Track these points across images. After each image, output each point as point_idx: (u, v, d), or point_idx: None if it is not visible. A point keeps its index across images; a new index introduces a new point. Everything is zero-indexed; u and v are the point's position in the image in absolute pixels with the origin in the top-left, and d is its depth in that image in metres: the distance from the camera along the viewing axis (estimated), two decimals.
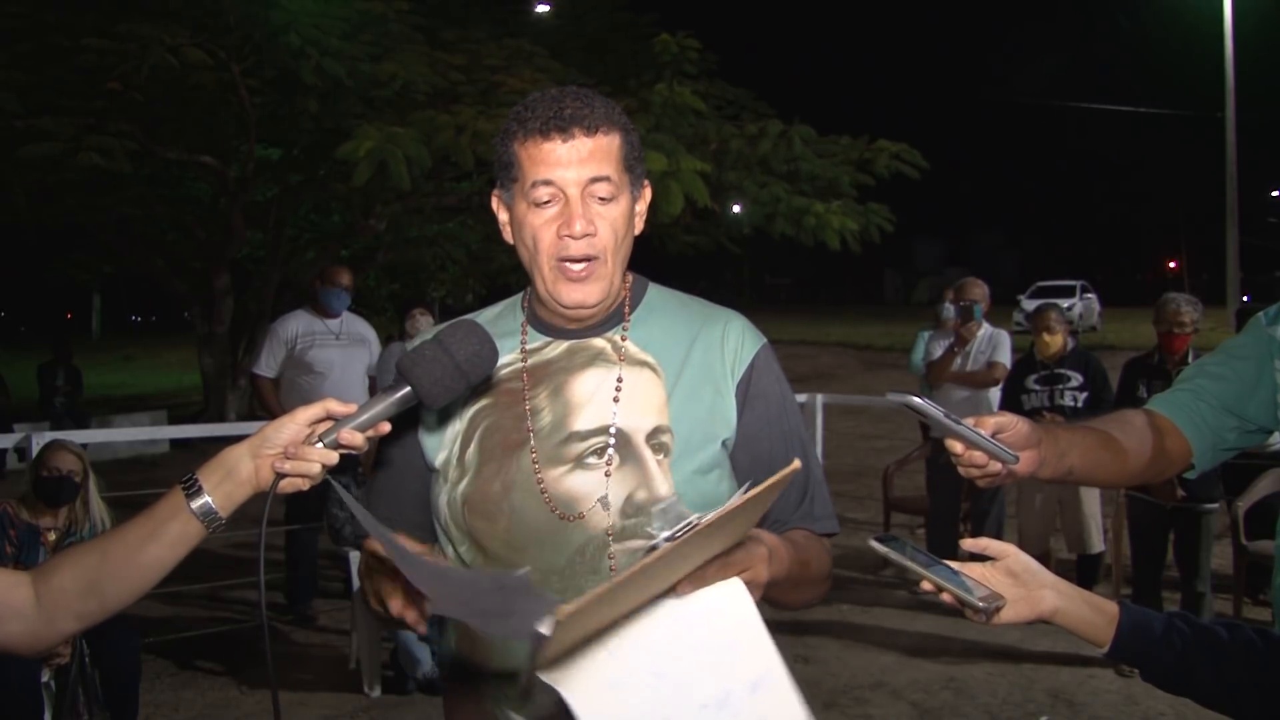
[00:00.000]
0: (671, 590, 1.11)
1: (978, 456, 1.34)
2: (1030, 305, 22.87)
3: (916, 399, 1.29)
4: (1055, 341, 5.05)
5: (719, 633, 1.11)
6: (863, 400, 9.49)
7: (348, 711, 4.16)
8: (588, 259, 1.33)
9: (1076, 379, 4.98)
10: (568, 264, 1.33)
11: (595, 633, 1.08)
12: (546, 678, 1.06)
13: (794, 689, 1.11)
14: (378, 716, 4.14)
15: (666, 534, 1.19)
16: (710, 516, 1.05)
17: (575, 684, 1.08)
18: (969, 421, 1.33)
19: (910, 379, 6.96)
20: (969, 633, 4.80)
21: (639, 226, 1.43)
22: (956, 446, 1.34)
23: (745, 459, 1.39)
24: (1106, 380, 4.98)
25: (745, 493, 1.06)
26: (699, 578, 1.10)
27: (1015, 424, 1.36)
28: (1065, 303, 18.42)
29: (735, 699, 1.09)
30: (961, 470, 1.37)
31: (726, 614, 1.11)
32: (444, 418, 1.42)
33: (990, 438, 1.33)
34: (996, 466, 1.35)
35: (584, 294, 1.34)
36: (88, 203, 9.99)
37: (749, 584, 1.14)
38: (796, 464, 1.06)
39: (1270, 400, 1.56)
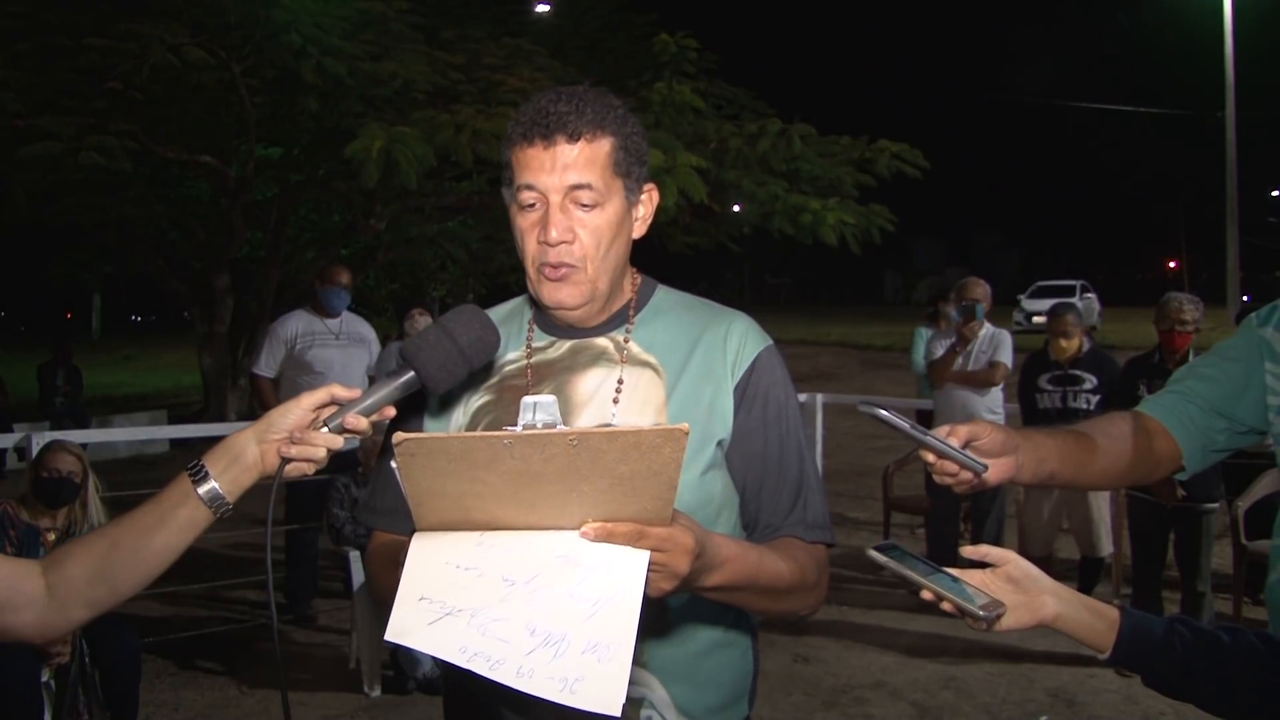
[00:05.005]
0: (575, 528, 1.07)
1: (949, 465, 1.36)
2: (1031, 305, 22.86)
3: (883, 411, 1.30)
4: (1071, 346, 5.04)
5: (594, 588, 1.03)
6: (863, 400, 9.46)
7: (348, 711, 4.16)
8: (563, 265, 1.33)
9: (1091, 381, 4.96)
10: (547, 268, 1.34)
11: (462, 507, 1.06)
12: (417, 531, 1.10)
13: (626, 674, 1.00)
14: (378, 716, 4.14)
15: (519, 428, 1.25)
16: (577, 429, 1.04)
17: (426, 541, 1.09)
18: (941, 431, 1.35)
19: (912, 378, 6.97)
20: (969, 633, 4.75)
21: (640, 230, 1.42)
22: (929, 456, 1.36)
23: (738, 458, 1.39)
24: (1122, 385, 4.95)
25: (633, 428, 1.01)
26: (607, 531, 1.05)
27: (989, 432, 1.37)
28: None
29: (566, 648, 1.01)
30: (936, 478, 1.39)
31: (613, 577, 1.04)
32: (447, 412, 1.43)
33: (959, 448, 1.34)
34: (968, 475, 1.36)
35: (562, 295, 1.35)
36: (88, 203, 9.96)
37: (661, 567, 1.07)
38: (685, 426, 0.98)
39: (1260, 401, 1.56)
